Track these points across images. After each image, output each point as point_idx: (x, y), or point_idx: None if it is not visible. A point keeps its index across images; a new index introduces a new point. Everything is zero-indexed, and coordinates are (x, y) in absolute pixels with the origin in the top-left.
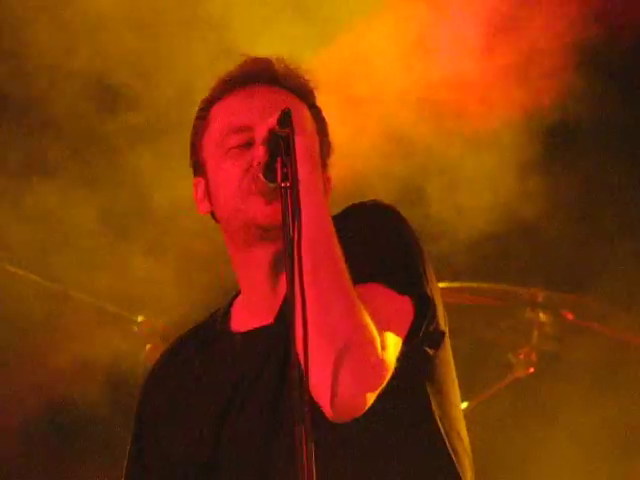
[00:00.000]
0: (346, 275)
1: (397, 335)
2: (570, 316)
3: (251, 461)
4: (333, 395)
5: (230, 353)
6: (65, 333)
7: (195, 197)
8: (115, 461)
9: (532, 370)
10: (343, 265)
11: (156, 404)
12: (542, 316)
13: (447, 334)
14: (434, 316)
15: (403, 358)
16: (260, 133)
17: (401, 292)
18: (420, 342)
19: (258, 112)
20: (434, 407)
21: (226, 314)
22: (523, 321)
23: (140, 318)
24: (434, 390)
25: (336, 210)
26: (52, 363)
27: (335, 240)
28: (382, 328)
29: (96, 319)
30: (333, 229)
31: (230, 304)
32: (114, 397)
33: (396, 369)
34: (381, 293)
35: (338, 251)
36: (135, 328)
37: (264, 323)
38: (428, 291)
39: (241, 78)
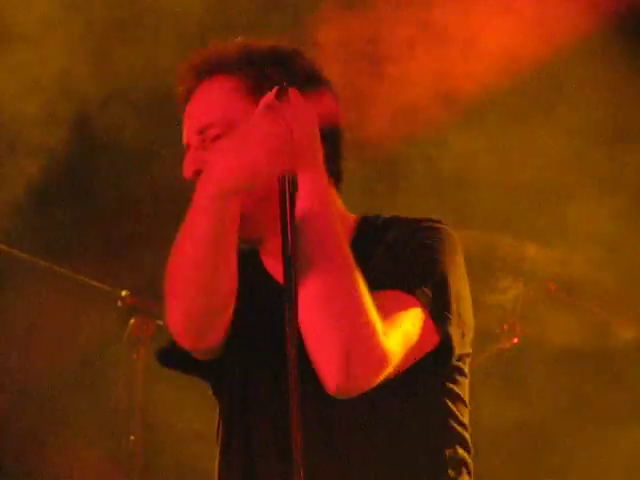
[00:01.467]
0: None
1: (412, 348)
2: (553, 286)
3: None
4: (335, 377)
5: (266, 292)
6: (47, 309)
7: None
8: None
9: (516, 341)
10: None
11: None
12: (525, 286)
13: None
14: (461, 342)
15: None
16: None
17: (434, 322)
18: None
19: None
20: (448, 400)
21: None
22: (507, 292)
23: (124, 293)
24: (450, 389)
25: None
26: (35, 339)
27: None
28: (399, 333)
29: (80, 295)
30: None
31: None
32: (98, 372)
33: (416, 374)
34: (415, 305)
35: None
36: (119, 303)
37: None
38: (458, 315)
39: (184, 86)
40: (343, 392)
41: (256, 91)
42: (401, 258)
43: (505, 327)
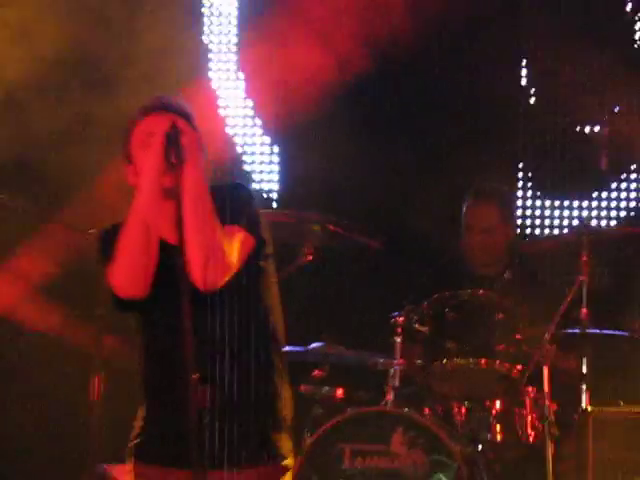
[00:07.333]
0: (212, 213)
1: (241, 253)
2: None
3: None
4: (201, 278)
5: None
6: None
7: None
8: None
9: (311, 258)
10: (210, 207)
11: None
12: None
13: (272, 255)
14: (265, 248)
15: (249, 267)
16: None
17: (250, 233)
18: (256, 260)
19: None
20: (263, 294)
21: None
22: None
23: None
24: (263, 285)
25: None
26: None
27: (207, 195)
28: (235, 248)
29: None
30: (207, 189)
31: None
32: None
33: (246, 273)
34: (241, 231)
35: (208, 202)
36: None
37: (169, 240)
38: (263, 234)
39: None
40: (208, 288)
41: None
42: (239, 211)
43: (304, 249)
